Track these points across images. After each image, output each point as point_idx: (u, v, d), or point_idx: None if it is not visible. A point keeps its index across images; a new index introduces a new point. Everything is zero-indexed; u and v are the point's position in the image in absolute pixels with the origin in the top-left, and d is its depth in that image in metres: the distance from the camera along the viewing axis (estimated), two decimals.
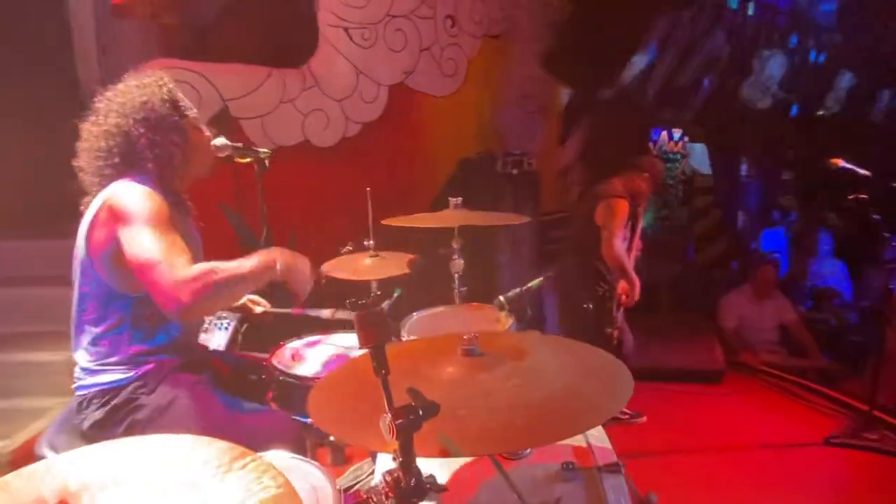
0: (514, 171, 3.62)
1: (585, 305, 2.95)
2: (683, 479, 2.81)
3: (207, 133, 1.75)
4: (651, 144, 6.96)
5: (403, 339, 1.74)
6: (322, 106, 3.40)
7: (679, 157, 6.70)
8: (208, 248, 2.37)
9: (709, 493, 2.70)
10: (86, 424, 1.58)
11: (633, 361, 3.89)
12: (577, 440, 1.47)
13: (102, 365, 1.58)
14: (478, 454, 1.10)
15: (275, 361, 1.73)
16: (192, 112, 1.67)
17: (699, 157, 6.17)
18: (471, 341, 1.15)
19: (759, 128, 5.12)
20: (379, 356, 0.79)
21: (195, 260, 1.69)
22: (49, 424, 1.79)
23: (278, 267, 1.49)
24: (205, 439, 0.80)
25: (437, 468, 1.02)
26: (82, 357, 1.61)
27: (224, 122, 3.12)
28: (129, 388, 1.57)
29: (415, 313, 1.94)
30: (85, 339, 1.60)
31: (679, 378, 3.88)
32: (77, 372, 1.62)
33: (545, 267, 4.06)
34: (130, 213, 1.45)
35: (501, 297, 1.78)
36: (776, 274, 4.34)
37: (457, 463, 1.30)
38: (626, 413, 3.40)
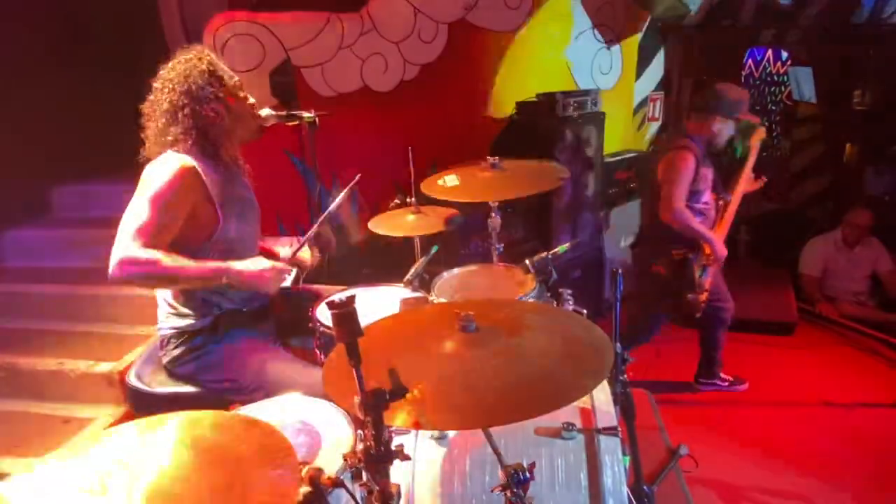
0: (576, 115, 3.42)
1: (655, 271, 2.74)
2: (728, 431, 2.79)
3: (251, 100, 1.85)
4: (752, 66, 6.31)
5: (431, 298, 1.84)
6: (380, 49, 3.40)
7: (785, 79, 6.05)
8: (278, 192, 2.46)
9: (749, 448, 2.66)
10: (166, 359, 1.85)
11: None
12: (584, 402, 1.52)
13: (178, 310, 1.82)
14: (441, 428, 1.21)
15: (317, 313, 1.91)
16: (233, 81, 1.76)
17: (803, 84, 5.55)
18: (466, 318, 1.23)
19: (876, 50, 4.47)
20: (352, 349, 0.90)
21: (247, 220, 1.87)
22: (145, 350, 2.13)
23: (224, 281, 1.63)
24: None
25: None
26: (162, 301, 1.86)
27: (287, 71, 3.22)
28: (201, 332, 1.80)
29: (445, 272, 2.02)
30: None
31: (748, 329, 3.74)
32: (159, 314, 1.88)
33: (608, 210, 3.96)
34: (142, 182, 1.64)
35: (528, 261, 1.82)
36: (870, 218, 3.94)
37: None
38: (726, 379, 3.17)
